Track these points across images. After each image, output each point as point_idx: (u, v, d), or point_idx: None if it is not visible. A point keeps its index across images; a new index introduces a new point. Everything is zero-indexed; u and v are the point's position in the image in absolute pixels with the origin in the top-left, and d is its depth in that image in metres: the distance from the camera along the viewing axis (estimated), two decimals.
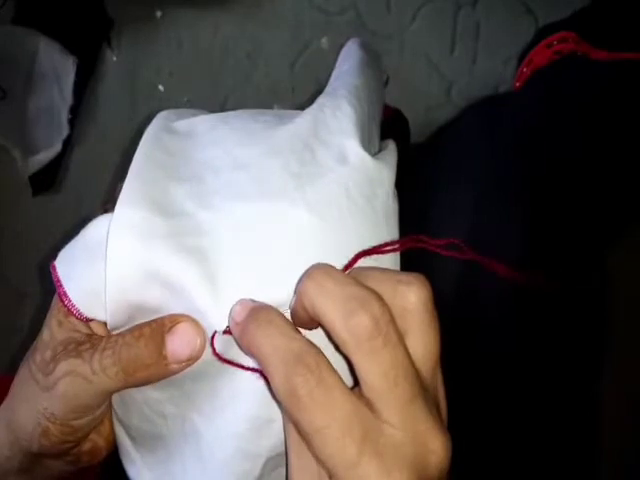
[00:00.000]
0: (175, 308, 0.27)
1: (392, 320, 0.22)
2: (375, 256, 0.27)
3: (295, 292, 0.25)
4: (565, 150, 0.42)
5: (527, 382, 0.39)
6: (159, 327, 0.27)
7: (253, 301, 0.25)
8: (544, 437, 0.38)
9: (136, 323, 0.27)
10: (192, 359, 0.26)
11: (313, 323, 0.24)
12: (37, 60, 0.80)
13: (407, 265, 0.28)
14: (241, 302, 0.25)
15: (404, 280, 0.24)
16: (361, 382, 0.22)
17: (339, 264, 0.26)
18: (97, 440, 0.31)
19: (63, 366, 0.27)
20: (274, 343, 0.23)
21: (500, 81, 0.82)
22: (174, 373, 0.27)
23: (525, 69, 0.56)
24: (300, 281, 0.24)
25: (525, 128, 0.45)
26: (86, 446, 0.30)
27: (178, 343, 0.26)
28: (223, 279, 0.26)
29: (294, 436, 0.24)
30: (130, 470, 0.31)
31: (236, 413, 0.27)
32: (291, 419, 0.22)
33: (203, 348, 0.26)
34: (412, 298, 0.23)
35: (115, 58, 0.86)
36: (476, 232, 0.41)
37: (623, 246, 0.42)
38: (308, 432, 0.22)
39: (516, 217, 0.41)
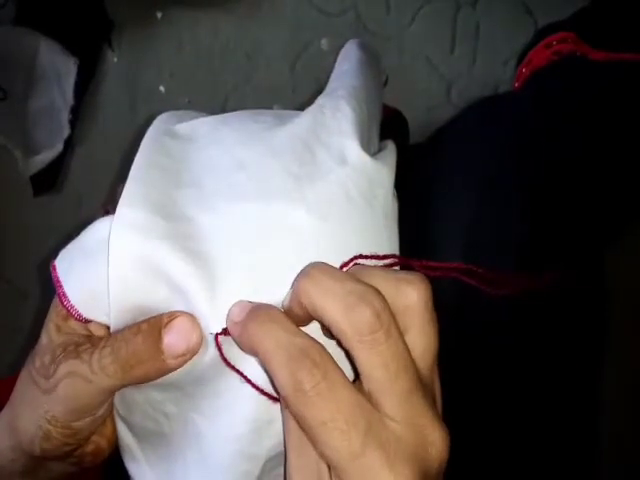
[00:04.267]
0: (177, 307, 0.27)
1: (392, 314, 0.23)
2: (374, 261, 0.27)
3: (290, 290, 0.25)
4: (564, 150, 0.42)
5: (528, 382, 0.39)
6: (156, 323, 0.27)
7: (250, 302, 0.25)
8: (545, 437, 0.38)
9: None
10: (188, 353, 0.26)
11: (308, 321, 0.25)
12: (38, 61, 0.80)
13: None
14: (238, 304, 0.25)
15: (405, 279, 0.24)
16: (362, 375, 0.23)
17: (338, 265, 0.26)
18: (100, 441, 0.31)
19: (63, 368, 0.27)
20: (277, 339, 0.23)
21: (499, 81, 0.83)
22: (172, 369, 0.27)
23: (524, 69, 0.56)
24: (296, 280, 0.25)
25: (524, 128, 0.45)
26: (89, 447, 0.30)
27: (174, 337, 0.26)
28: (222, 283, 0.26)
29: (294, 435, 0.24)
30: (132, 468, 0.31)
31: (237, 415, 0.27)
32: (296, 415, 0.23)
33: (199, 343, 0.26)
34: (413, 296, 0.24)
35: (116, 59, 0.86)
36: (476, 232, 0.41)
37: (623, 246, 0.42)
38: (313, 426, 0.22)
39: (515, 217, 0.41)
